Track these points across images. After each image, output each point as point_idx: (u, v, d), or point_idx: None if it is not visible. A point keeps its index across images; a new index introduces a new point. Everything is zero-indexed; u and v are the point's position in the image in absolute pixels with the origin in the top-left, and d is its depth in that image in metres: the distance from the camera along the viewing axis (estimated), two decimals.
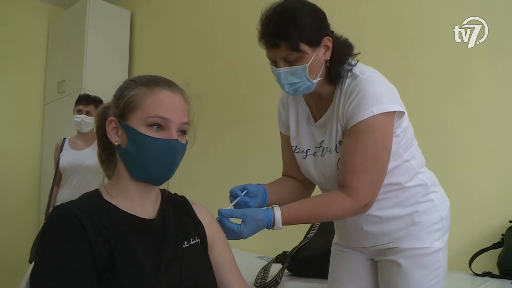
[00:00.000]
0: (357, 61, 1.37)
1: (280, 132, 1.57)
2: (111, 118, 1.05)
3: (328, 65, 1.33)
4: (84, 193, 1.04)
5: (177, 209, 1.12)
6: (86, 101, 2.90)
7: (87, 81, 3.86)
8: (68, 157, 2.92)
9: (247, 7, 3.24)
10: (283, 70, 1.29)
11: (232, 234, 1.23)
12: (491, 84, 2.17)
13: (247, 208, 1.27)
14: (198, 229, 1.12)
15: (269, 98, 2.76)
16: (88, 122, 2.90)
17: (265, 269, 2.14)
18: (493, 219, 2.13)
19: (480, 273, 1.99)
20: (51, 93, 4.29)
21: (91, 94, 2.98)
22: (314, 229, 2.25)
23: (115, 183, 1.06)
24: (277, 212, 1.24)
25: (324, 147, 1.40)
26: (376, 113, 1.24)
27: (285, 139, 1.55)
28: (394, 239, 1.39)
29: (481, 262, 2.05)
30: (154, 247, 0.99)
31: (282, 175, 1.59)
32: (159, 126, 1.01)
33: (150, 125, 1.00)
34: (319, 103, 1.43)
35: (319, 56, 1.30)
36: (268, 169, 2.34)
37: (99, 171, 3.19)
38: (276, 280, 2.03)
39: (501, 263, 1.93)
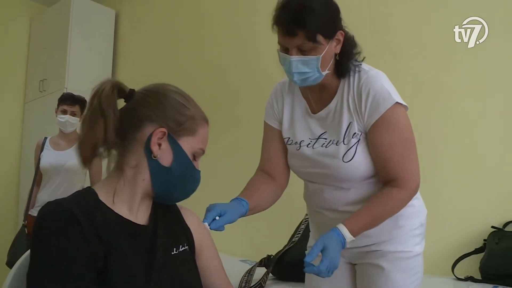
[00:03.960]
0: (364, 57, 1.40)
1: (266, 124, 1.56)
2: (163, 129, 0.99)
3: (337, 58, 1.35)
4: (77, 191, 1.00)
5: (166, 214, 1.10)
6: (71, 101, 2.85)
7: (69, 80, 3.80)
8: (50, 157, 2.87)
9: (237, 7, 3.23)
10: (296, 58, 1.30)
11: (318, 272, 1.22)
12: (475, 92, 2.20)
13: (321, 240, 1.24)
14: (186, 235, 1.11)
15: (261, 100, 2.76)
16: (73, 122, 2.85)
17: (249, 272, 2.13)
18: (476, 225, 2.15)
19: (463, 277, 2.01)
20: (32, 91, 4.21)
21: (75, 93, 2.93)
22: (299, 233, 2.25)
23: (120, 186, 1.00)
24: (344, 230, 1.27)
25: (327, 139, 1.40)
26: (396, 100, 1.30)
27: (271, 131, 1.54)
28: (376, 241, 1.40)
29: (464, 267, 2.07)
30: (145, 255, 0.97)
31: (258, 170, 1.57)
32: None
33: (195, 155, 1.04)
34: (319, 96, 1.43)
35: (331, 48, 1.32)
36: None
37: (81, 173, 3.10)
38: (261, 284, 2.02)
39: (483, 267, 1.95)
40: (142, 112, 1.01)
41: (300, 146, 1.45)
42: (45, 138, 2.97)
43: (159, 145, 0.99)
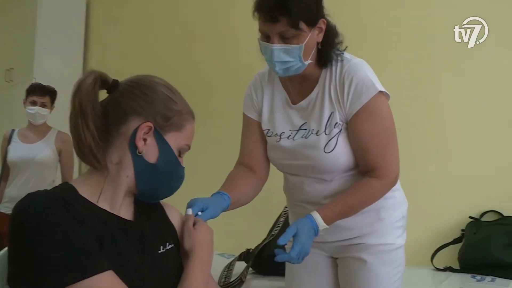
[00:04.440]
0: (346, 47, 1.38)
1: (245, 116, 1.52)
2: (149, 124, 0.94)
3: (319, 47, 1.33)
4: (54, 187, 0.94)
5: (151, 211, 1.05)
6: (41, 92, 2.74)
7: (38, 70, 3.64)
8: (18, 150, 2.75)
9: None
10: (278, 46, 1.26)
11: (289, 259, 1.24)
12: (455, 84, 2.22)
13: (294, 225, 1.25)
14: (171, 232, 1.06)
15: (236, 92, 2.71)
16: (43, 114, 2.74)
17: (229, 267, 2.10)
18: (454, 215, 2.18)
19: (442, 268, 2.03)
20: None
21: (44, 84, 2.81)
22: (278, 226, 2.22)
23: (101, 183, 0.94)
24: (317, 217, 1.26)
25: (308, 129, 1.37)
26: (379, 89, 1.29)
27: (251, 123, 1.50)
28: (358, 234, 1.39)
29: (442, 257, 2.10)
30: (135, 252, 0.92)
31: (237, 163, 1.53)
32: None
33: (180, 151, 0.99)
34: (300, 86, 1.41)
35: (313, 37, 1.29)
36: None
37: (52, 166, 2.99)
38: (241, 279, 1.99)
39: (461, 258, 1.98)
40: (127, 105, 0.95)
41: (280, 138, 1.42)
42: (13, 130, 2.85)
43: (145, 140, 0.94)
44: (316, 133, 1.36)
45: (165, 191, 1.01)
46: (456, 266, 2.02)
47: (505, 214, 2.07)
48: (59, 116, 2.65)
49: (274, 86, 1.47)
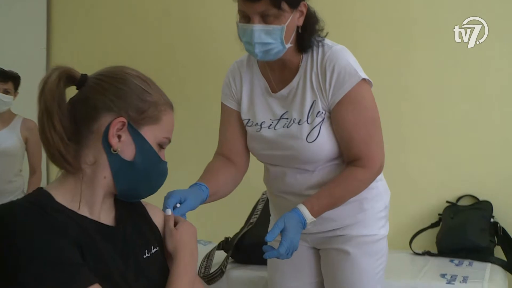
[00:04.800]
0: (327, 33, 1.35)
1: (223, 106, 1.48)
2: (122, 119, 0.87)
3: (300, 31, 1.30)
4: (29, 195, 0.88)
5: (132, 213, 1.00)
6: (3, 77, 2.58)
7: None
8: None
9: None
10: (258, 27, 1.23)
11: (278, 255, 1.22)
12: (432, 70, 2.22)
13: (281, 220, 1.23)
14: (155, 235, 1.01)
15: (211, 79, 2.64)
16: (6, 101, 2.59)
17: (208, 257, 2.05)
18: (431, 200, 2.21)
19: (420, 252, 2.05)
20: None
21: (6, 69, 2.65)
22: (256, 214, 2.19)
23: (78, 187, 0.88)
24: (304, 210, 1.25)
25: (289, 119, 1.34)
26: (362, 77, 1.27)
27: (229, 113, 1.46)
28: (341, 225, 1.37)
29: (420, 242, 2.13)
30: (119, 259, 0.88)
31: (216, 154, 1.49)
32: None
33: (160, 145, 0.93)
34: (281, 74, 1.37)
35: (294, 19, 1.26)
36: (210, 152, 2.26)
37: (19, 155, 2.85)
38: (221, 269, 1.96)
39: (439, 242, 2.02)
40: (97, 101, 0.88)
41: (261, 128, 1.38)
42: None
43: (119, 137, 0.87)
44: (298, 123, 1.32)
45: (147, 189, 0.95)
46: (434, 250, 2.05)
47: (480, 199, 2.11)
48: (25, 103, 2.54)
49: (253, 74, 1.42)
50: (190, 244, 1.01)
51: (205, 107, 2.77)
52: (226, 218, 2.56)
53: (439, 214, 2.15)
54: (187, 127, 2.88)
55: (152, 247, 0.96)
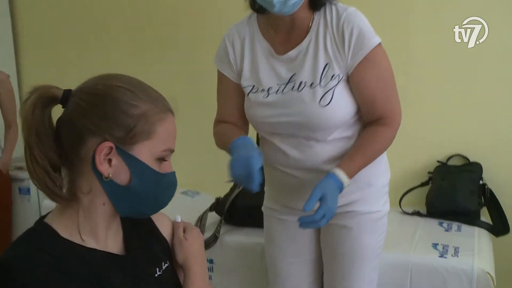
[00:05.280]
0: None
1: (221, 75, 1.41)
2: (108, 143, 0.79)
3: None
4: (28, 231, 0.82)
5: (139, 228, 0.96)
6: None
7: None
8: None
9: None
10: None
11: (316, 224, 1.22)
12: (429, 28, 2.15)
13: (319, 189, 1.20)
14: (164, 248, 0.99)
15: (203, 23, 2.45)
16: None
17: (201, 221, 2.05)
18: (421, 158, 2.22)
19: (410, 212, 2.10)
20: None
21: None
22: None
23: (79, 217, 0.83)
24: (341, 174, 1.24)
25: (299, 82, 1.29)
26: (379, 41, 1.27)
27: (227, 83, 1.41)
28: (348, 201, 1.36)
29: (410, 200, 2.16)
30: (131, 286, 0.86)
31: (218, 122, 1.45)
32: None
33: (161, 159, 0.84)
34: (287, 36, 1.32)
35: None
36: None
37: None
38: (215, 235, 1.96)
39: (429, 204, 2.05)
40: (79, 124, 0.80)
41: (268, 94, 1.32)
42: None
43: (109, 161, 0.80)
44: (310, 86, 1.28)
45: (153, 207, 0.90)
46: (423, 209, 2.09)
47: (471, 160, 2.13)
48: None
49: (254, 37, 1.36)
50: (200, 254, 1.01)
51: (195, 51, 2.59)
52: (212, 166, 2.51)
53: (429, 173, 2.17)
54: (178, 70, 2.69)
55: (163, 263, 0.95)
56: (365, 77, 1.27)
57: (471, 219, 1.95)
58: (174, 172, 0.88)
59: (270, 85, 1.32)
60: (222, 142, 1.38)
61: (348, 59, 1.26)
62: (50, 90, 0.81)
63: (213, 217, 2.10)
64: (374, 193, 1.40)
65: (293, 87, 1.29)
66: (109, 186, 0.81)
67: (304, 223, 1.20)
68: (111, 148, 0.79)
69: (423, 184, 2.17)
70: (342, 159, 1.29)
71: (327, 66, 1.27)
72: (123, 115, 0.79)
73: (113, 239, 0.89)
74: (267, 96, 1.32)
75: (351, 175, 1.25)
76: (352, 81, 1.28)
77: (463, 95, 2.13)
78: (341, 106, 1.28)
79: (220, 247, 1.95)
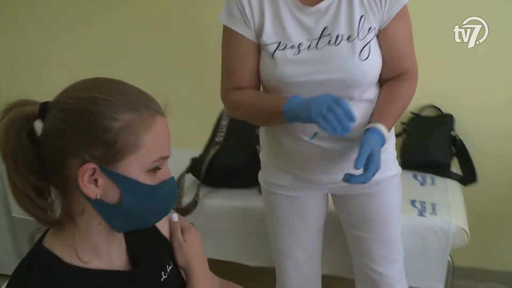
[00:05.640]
0: None
1: (233, 34, 1.28)
2: (90, 165, 0.73)
3: None
4: (28, 258, 0.79)
5: (143, 236, 0.94)
6: None
7: None
8: None
9: None
10: None
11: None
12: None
13: (367, 146, 1.16)
14: (167, 249, 0.99)
15: None
16: None
17: (179, 185, 2.00)
18: None
19: None
20: None
21: None
22: (222, 132, 2.09)
23: (77, 239, 0.79)
24: (383, 129, 1.22)
25: (337, 35, 1.22)
26: None
27: (241, 41, 1.28)
28: None
29: None
30: None
31: (231, 89, 1.33)
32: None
33: (153, 169, 0.78)
34: None
35: None
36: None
37: None
38: (195, 200, 1.93)
39: (403, 156, 2.08)
40: (58, 144, 0.74)
41: (299, 50, 1.23)
42: None
43: (95, 181, 0.75)
44: (348, 39, 1.22)
45: (151, 219, 0.87)
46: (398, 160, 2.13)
47: (444, 111, 2.15)
48: None
49: None
50: (200, 253, 1.02)
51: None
52: (186, 123, 2.41)
53: (402, 123, 2.19)
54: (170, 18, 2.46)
55: (167, 265, 0.95)
56: (399, 30, 1.26)
57: (443, 170, 2.02)
58: (173, 177, 0.84)
59: (300, 41, 1.23)
60: (258, 110, 1.28)
61: (385, 11, 1.22)
62: (25, 109, 0.74)
63: (189, 178, 2.06)
64: (389, 157, 1.40)
65: (330, 41, 1.22)
66: (100, 206, 0.76)
67: (355, 181, 1.15)
68: (94, 169, 0.73)
69: (396, 136, 2.18)
70: (375, 113, 1.28)
71: (363, 18, 1.22)
72: (102, 131, 0.72)
73: (117, 251, 0.86)
74: (298, 53, 1.23)
75: (388, 129, 1.24)
76: (383, 35, 1.26)
77: (435, 42, 2.10)
78: (377, 60, 1.26)
79: (200, 212, 1.92)
